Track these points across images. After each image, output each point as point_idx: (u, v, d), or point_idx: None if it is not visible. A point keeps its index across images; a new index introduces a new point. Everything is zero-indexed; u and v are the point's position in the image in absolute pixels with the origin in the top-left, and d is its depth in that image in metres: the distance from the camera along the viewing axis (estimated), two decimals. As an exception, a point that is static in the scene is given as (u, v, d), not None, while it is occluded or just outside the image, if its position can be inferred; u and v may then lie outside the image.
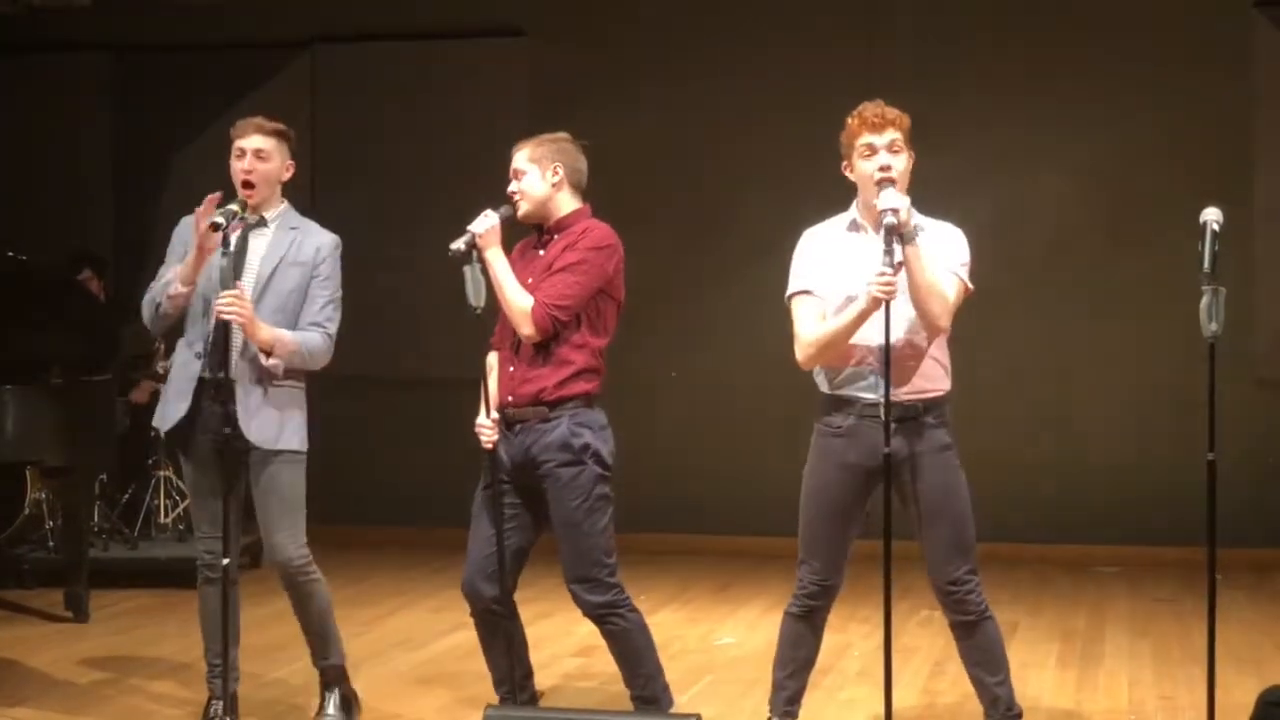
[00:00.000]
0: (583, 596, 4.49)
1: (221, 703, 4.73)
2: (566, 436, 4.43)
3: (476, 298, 4.33)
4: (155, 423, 4.82)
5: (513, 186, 4.56)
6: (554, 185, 4.54)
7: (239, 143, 4.69)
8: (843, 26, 8.38)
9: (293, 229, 4.76)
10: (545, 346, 4.45)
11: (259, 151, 4.67)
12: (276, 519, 4.71)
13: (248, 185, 4.67)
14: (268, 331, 4.59)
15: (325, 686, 4.91)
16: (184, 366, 4.70)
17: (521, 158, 4.57)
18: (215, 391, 4.58)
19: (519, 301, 4.43)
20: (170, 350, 7.75)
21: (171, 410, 4.70)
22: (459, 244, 4.42)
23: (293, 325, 4.68)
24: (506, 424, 4.49)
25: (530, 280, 4.47)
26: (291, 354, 4.64)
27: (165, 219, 8.90)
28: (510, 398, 4.48)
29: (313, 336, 4.70)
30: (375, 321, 8.68)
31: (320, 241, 4.78)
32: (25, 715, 5.18)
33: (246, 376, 4.63)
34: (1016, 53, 8.18)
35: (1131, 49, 8.06)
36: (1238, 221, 5.09)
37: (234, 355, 4.61)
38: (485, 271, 4.41)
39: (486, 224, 4.46)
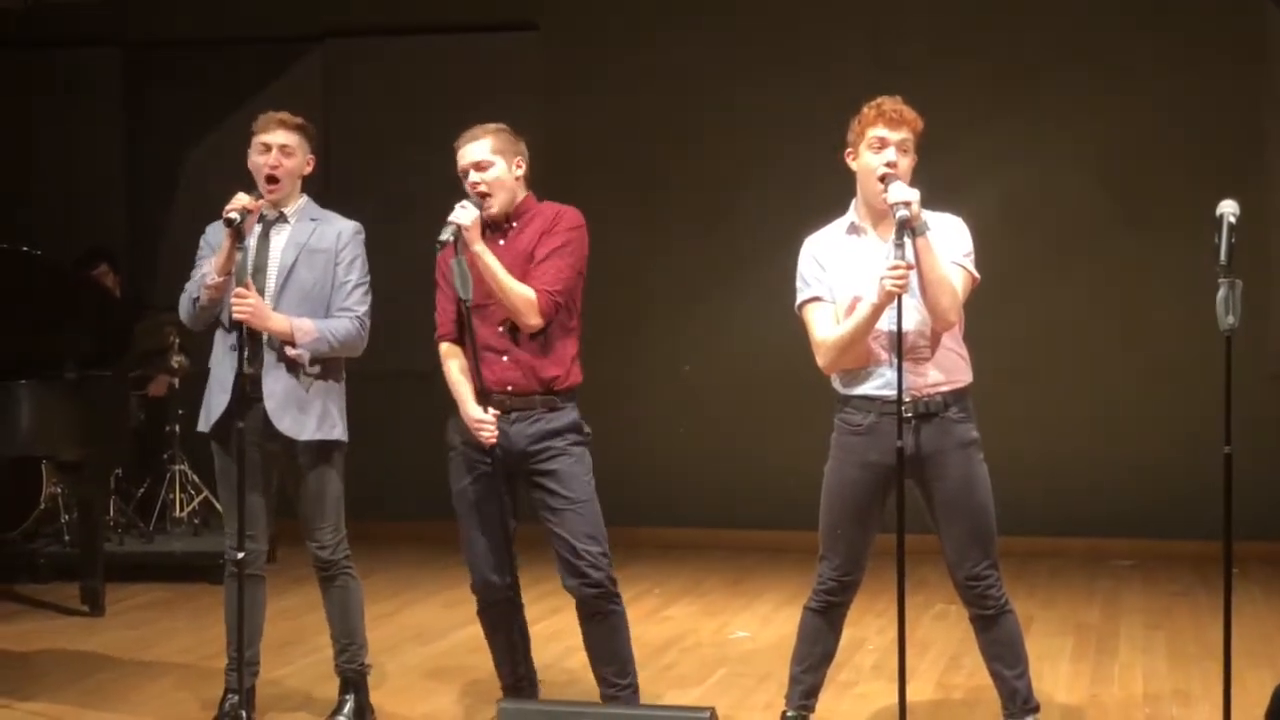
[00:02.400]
0: (603, 571, 4.41)
1: (237, 696, 4.73)
2: (577, 421, 4.48)
3: (465, 290, 4.32)
4: (200, 425, 4.74)
5: (475, 177, 4.46)
6: (518, 178, 4.52)
7: (264, 138, 4.68)
8: (850, 20, 8.36)
9: (313, 220, 4.76)
10: (545, 333, 4.44)
11: (284, 147, 4.67)
12: (315, 512, 4.73)
13: (272, 180, 4.66)
14: (282, 322, 4.59)
15: (344, 690, 4.87)
16: (222, 363, 4.68)
17: (483, 149, 4.48)
18: (250, 387, 4.59)
19: (522, 291, 4.39)
20: (185, 346, 7.81)
21: (214, 407, 4.68)
22: (447, 235, 4.35)
23: (321, 314, 4.68)
24: (503, 410, 4.43)
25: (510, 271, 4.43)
26: (315, 341, 4.63)
27: (177, 214, 9.06)
28: (510, 386, 4.42)
29: (339, 322, 4.69)
30: (387, 315, 8.64)
31: (341, 228, 4.77)
32: (41, 708, 5.19)
33: (279, 369, 4.63)
34: (1026, 44, 8.15)
35: (1145, 41, 8.03)
36: (1253, 214, 5.06)
37: (265, 349, 4.62)
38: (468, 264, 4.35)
39: (470, 215, 4.38)
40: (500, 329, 4.44)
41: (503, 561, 4.53)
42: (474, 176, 4.47)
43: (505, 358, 4.45)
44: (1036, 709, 4.38)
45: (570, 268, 4.45)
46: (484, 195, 4.44)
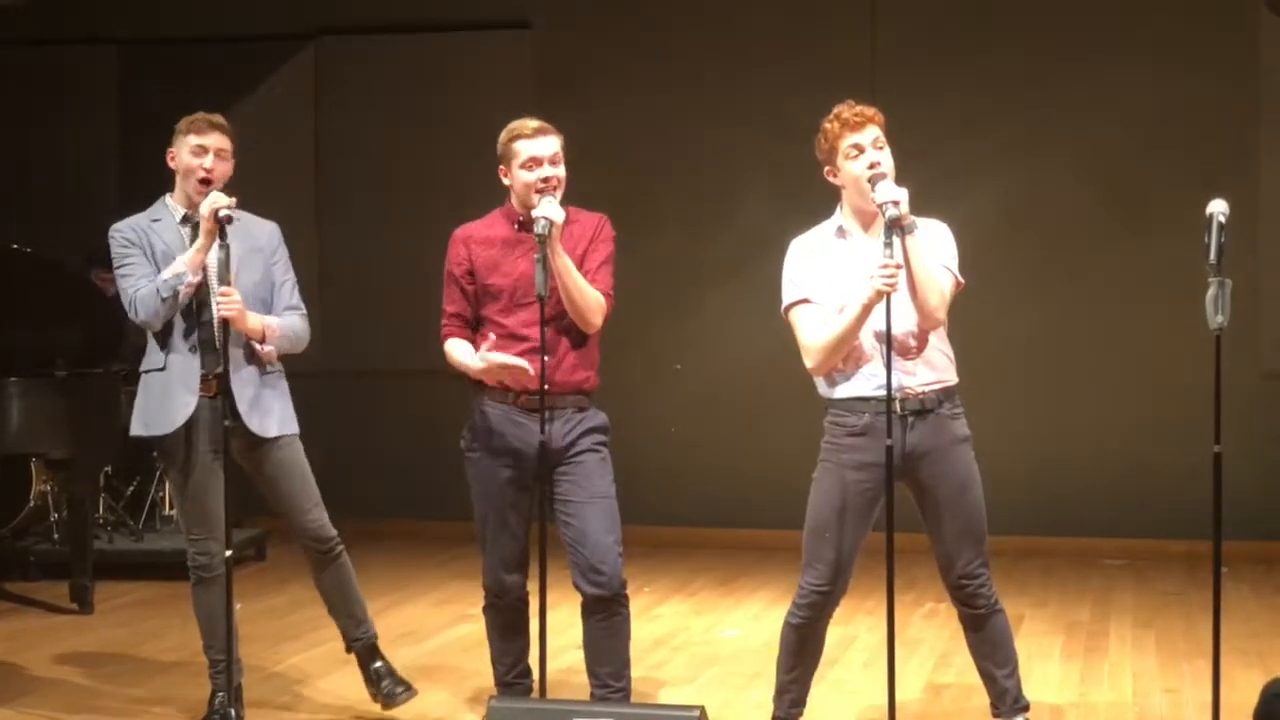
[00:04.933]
0: (616, 573, 4.40)
1: (225, 695, 4.73)
2: (605, 421, 4.51)
3: (544, 287, 4.21)
4: (157, 428, 4.67)
5: (549, 171, 4.39)
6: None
7: (199, 140, 4.68)
8: (845, 19, 8.37)
9: (236, 222, 4.71)
10: (585, 339, 4.46)
11: (220, 151, 4.70)
12: (304, 499, 4.79)
13: (206, 183, 4.66)
14: (256, 320, 4.66)
15: (370, 659, 4.94)
16: (183, 364, 4.65)
17: (557, 144, 4.44)
18: (218, 387, 4.58)
19: (593, 294, 4.39)
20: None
21: (179, 410, 4.64)
22: (541, 229, 4.22)
23: (259, 309, 4.72)
24: (531, 409, 4.40)
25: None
26: (280, 338, 4.72)
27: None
28: (545, 386, 4.34)
29: (294, 319, 4.79)
30: (378, 314, 8.69)
31: (269, 228, 4.84)
32: (30, 707, 5.18)
33: (246, 368, 4.67)
34: (1019, 45, 8.16)
35: (1136, 40, 8.04)
36: (1243, 214, 5.06)
37: (233, 347, 4.63)
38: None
39: (560, 212, 4.30)
40: (549, 331, 4.36)
41: (520, 562, 4.55)
42: (549, 170, 4.41)
43: (547, 358, 4.37)
44: (1026, 708, 4.38)
45: (613, 274, 4.51)
46: (554, 191, 4.38)
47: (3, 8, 8.60)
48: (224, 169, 4.71)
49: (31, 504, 7.47)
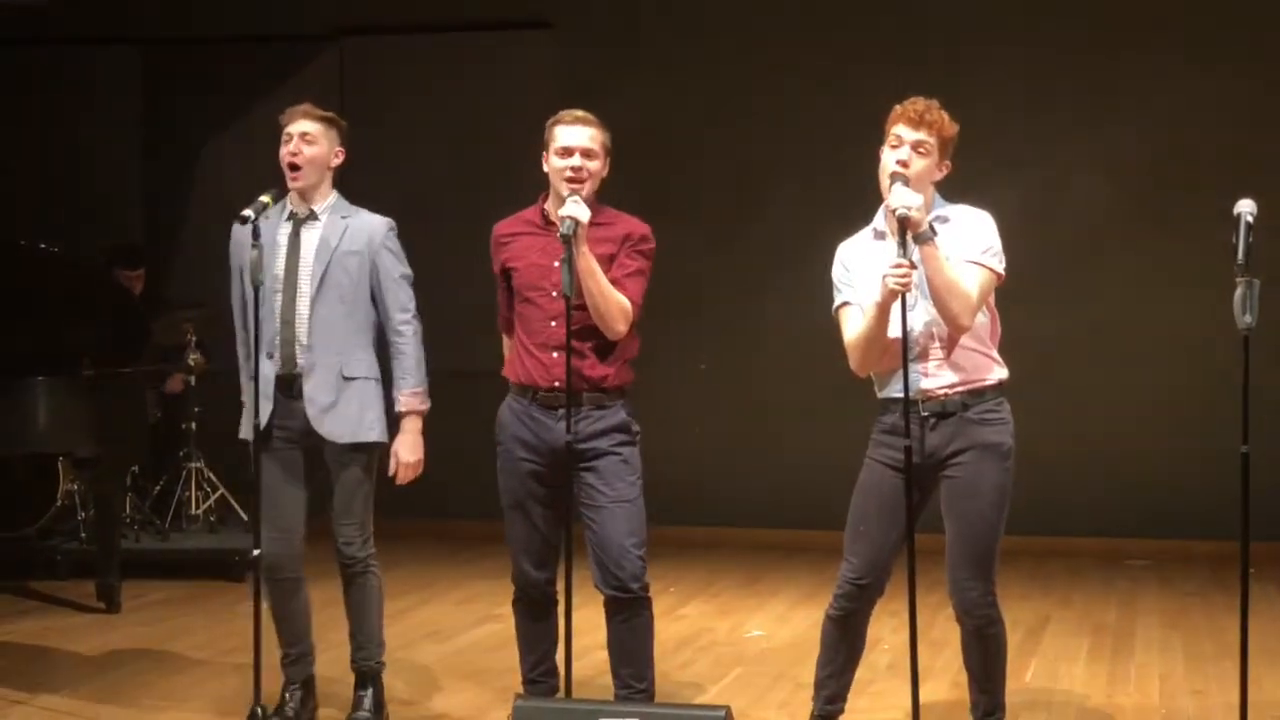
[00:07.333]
0: (638, 575, 4.39)
1: (299, 690, 4.80)
2: (625, 420, 4.45)
3: (570, 287, 4.17)
4: (243, 434, 4.75)
5: (579, 162, 4.34)
6: (601, 179, 4.45)
7: (287, 128, 4.67)
8: (874, 18, 8.35)
9: (344, 218, 4.72)
10: (607, 338, 4.42)
11: (305, 135, 4.64)
12: (342, 510, 4.74)
13: (294, 168, 4.64)
14: (408, 402, 4.73)
15: (360, 685, 4.88)
16: (264, 369, 4.63)
17: (594, 138, 4.39)
18: (288, 389, 4.61)
19: (618, 299, 4.34)
20: (202, 344, 7.82)
21: (262, 412, 4.65)
22: (566, 229, 4.17)
23: (359, 313, 4.67)
24: (549, 406, 4.41)
25: None
26: (423, 385, 4.79)
27: (194, 211, 9.09)
28: (557, 383, 4.36)
29: (410, 345, 4.74)
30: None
31: (372, 229, 4.72)
32: (57, 704, 5.21)
33: (319, 373, 4.63)
34: (1048, 45, 8.14)
35: (1165, 38, 8.01)
36: (1271, 212, 5.03)
37: (299, 350, 4.62)
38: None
39: (585, 212, 4.24)
40: (568, 332, 4.32)
41: (543, 556, 4.53)
42: (578, 161, 4.36)
43: (557, 354, 4.36)
44: None
45: (646, 283, 4.45)
46: (580, 183, 4.33)
47: (26, 8, 8.64)
48: (313, 153, 4.63)
49: (59, 503, 7.51)
